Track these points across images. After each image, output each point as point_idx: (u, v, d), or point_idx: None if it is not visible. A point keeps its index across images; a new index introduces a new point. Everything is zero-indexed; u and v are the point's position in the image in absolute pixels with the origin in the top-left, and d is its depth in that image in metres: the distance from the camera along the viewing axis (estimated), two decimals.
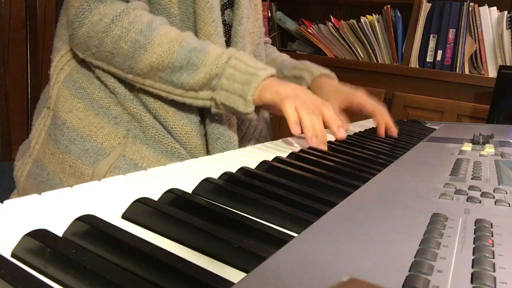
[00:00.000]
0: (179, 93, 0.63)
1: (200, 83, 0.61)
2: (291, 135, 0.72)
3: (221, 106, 0.63)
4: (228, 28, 0.76)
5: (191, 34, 0.65)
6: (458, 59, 1.80)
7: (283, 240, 0.28)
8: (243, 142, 0.79)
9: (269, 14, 2.29)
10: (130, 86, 0.66)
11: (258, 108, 0.63)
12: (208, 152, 0.69)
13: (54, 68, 0.70)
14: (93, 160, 0.64)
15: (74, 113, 0.66)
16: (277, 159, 0.51)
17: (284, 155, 0.55)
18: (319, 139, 0.60)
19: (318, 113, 0.62)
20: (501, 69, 1.56)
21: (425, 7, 1.83)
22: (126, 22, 0.61)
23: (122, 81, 0.66)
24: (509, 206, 0.36)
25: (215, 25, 0.67)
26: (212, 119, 0.68)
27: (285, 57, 0.96)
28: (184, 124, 0.66)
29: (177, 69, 0.61)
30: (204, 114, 0.69)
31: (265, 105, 0.63)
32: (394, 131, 0.79)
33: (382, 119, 0.79)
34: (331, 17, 2.09)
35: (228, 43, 0.76)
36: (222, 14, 0.74)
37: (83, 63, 0.69)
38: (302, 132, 0.60)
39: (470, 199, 0.37)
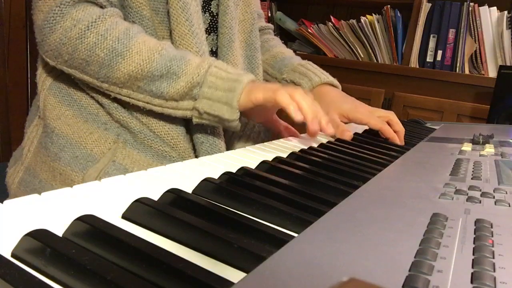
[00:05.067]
0: (158, 103, 0.62)
1: (181, 92, 0.60)
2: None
3: (204, 116, 0.61)
4: (216, 19, 0.74)
5: (169, 43, 0.63)
6: (458, 59, 1.80)
7: (283, 240, 0.28)
8: (233, 138, 0.78)
9: (269, 14, 2.29)
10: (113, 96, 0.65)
11: (241, 116, 0.62)
12: (196, 157, 0.68)
13: (39, 76, 0.69)
14: (83, 166, 0.63)
15: (62, 120, 0.65)
16: (277, 159, 0.51)
17: (284, 155, 0.55)
18: (320, 121, 0.60)
19: (312, 99, 0.61)
20: (501, 69, 1.56)
21: (425, 7, 1.83)
22: (103, 29, 0.59)
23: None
24: (509, 206, 0.36)
25: (189, 24, 0.64)
26: (196, 124, 0.66)
27: (287, 53, 0.91)
28: (170, 129, 0.65)
29: (157, 78, 0.60)
30: (188, 119, 0.67)
31: (255, 108, 0.61)
32: (401, 141, 0.75)
33: (391, 136, 0.74)
34: (331, 17, 2.09)
35: (216, 35, 0.74)
36: (209, 5, 0.73)
37: None
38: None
39: (470, 199, 0.37)
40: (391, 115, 0.77)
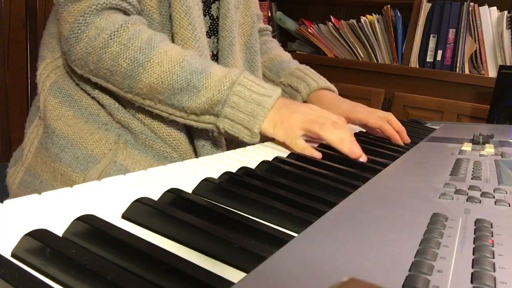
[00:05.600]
0: (180, 115, 0.61)
1: (201, 108, 0.59)
2: None
3: (225, 134, 0.61)
4: (216, 23, 0.74)
5: (193, 53, 0.62)
6: (458, 59, 1.80)
7: (283, 240, 0.28)
8: (234, 142, 0.77)
9: (269, 14, 2.29)
10: (114, 96, 0.65)
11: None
12: (197, 158, 0.68)
13: (39, 77, 0.69)
14: (84, 167, 0.63)
15: (63, 120, 0.65)
16: (277, 159, 0.51)
17: (284, 155, 0.55)
18: (356, 148, 0.57)
19: (338, 127, 0.59)
20: (501, 69, 1.56)
21: (425, 7, 1.83)
22: (125, 38, 0.59)
23: (106, 90, 0.64)
24: (509, 206, 0.36)
25: (192, 28, 0.64)
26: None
27: (285, 57, 0.91)
28: (171, 130, 0.65)
29: (177, 91, 0.59)
30: None
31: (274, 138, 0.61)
32: (405, 140, 0.75)
33: (391, 134, 0.74)
34: (331, 17, 2.09)
35: (216, 38, 0.74)
36: (210, 8, 0.73)
37: (69, 71, 0.67)
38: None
39: (470, 199, 0.37)
40: (390, 116, 0.77)
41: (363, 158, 0.57)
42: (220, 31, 0.73)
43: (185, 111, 0.60)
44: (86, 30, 0.59)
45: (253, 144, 0.60)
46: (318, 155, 0.56)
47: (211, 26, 0.74)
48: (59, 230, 0.27)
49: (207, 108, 0.59)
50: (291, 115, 0.59)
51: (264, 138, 0.77)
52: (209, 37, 0.74)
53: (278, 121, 0.59)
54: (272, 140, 0.66)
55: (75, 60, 0.62)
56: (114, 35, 0.59)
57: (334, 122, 0.60)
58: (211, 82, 0.58)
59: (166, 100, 0.60)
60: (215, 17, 0.74)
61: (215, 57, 0.75)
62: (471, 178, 0.45)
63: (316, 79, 0.84)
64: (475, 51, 1.79)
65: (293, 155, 0.55)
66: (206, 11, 0.73)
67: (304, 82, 0.83)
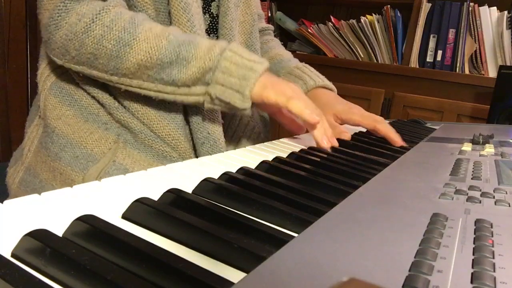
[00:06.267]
0: (170, 90, 0.60)
1: (193, 78, 0.59)
2: (290, 135, 0.72)
3: (216, 101, 0.60)
4: (216, 21, 0.74)
5: (176, 28, 0.62)
6: (458, 59, 1.80)
7: (283, 240, 0.28)
8: (233, 139, 0.77)
9: (269, 14, 2.29)
10: (114, 95, 0.65)
11: (253, 104, 0.61)
12: (196, 157, 0.67)
13: (40, 75, 0.69)
14: (83, 166, 0.63)
15: (63, 120, 0.65)
16: (277, 159, 0.51)
17: (284, 155, 0.55)
18: (329, 138, 0.60)
19: (321, 114, 0.61)
20: (501, 69, 1.56)
21: (425, 7, 1.83)
22: (107, 20, 0.58)
23: (106, 90, 0.64)
24: (509, 206, 0.36)
25: (191, 25, 0.64)
26: (196, 124, 0.66)
27: (285, 55, 0.92)
28: (170, 129, 0.65)
29: (167, 65, 0.58)
30: (188, 119, 0.67)
31: (265, 104, 0.61)
32: (399, 143, 0.73)
33: (387, 131, 0.73)
34: (331, 17, 2.09)
35: (216, 36, 0.74)
36: (209, 6, 0.73)
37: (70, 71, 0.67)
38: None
39: (470, 199, 0.37)
40: (383, 121, 0.76)
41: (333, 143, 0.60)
42: (219, 29, 0.73)
43: (176, 85, 0.60)
44: (66, 17, 0.58)
45: (245, 109, 0.60)
46: (316, 120, 0.59)
47: (210, 24, 0.74)
48: (59, 230, 0.27)
49: (199, 77, 0.59)
50: (283, 82, 0.61)
51: (264, 138, 0.77)
52: (209, 35, 0.74)
53: (269, 84, 0.59)
54: (272, 139, 0.66)
55: (55, 49, 0.61)
56: (96, 18, 0.58)
57: (317, 108, 0.62)
58: (200, 52, 0.59)
59: (155, 75, 0.59)
60: (215, 15, 0.74)
61: None
62: (471, 178, 0.45)
63: (313, 77, 0.84)
64: (475, 51, 1.79)
65: (293, 155, 0.55)
66: (206, 9, 0.72)
67: (301, 81, 0.83)
